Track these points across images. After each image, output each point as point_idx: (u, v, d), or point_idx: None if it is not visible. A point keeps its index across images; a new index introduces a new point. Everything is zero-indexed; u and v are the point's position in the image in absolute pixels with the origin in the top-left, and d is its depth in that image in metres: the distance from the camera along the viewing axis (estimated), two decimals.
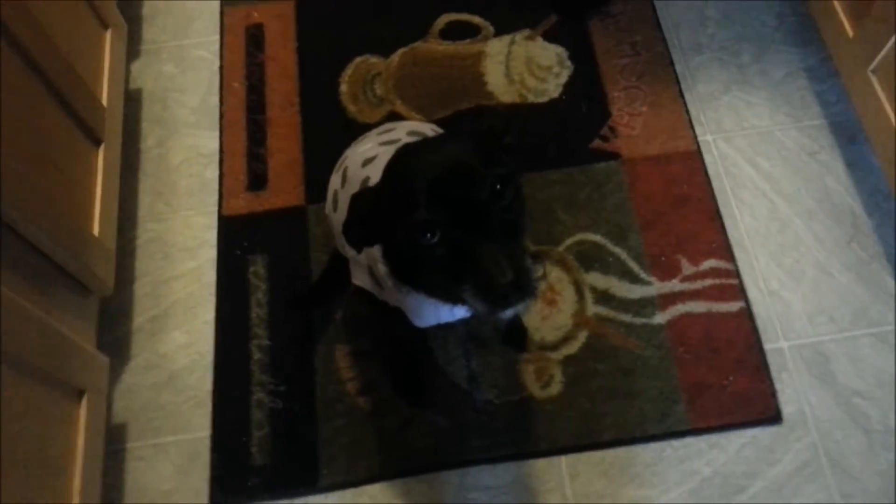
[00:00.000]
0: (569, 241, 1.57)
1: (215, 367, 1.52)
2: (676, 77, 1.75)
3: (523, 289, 0.81)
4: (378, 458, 1.40)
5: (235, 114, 1.83)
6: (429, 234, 0.82)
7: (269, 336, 1.54)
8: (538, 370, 1.45)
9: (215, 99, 1.86)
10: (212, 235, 1.67)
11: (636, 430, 1.38)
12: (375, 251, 1.02)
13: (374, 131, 1.25)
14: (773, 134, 1.67)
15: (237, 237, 1.66)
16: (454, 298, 0.88)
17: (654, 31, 1.82)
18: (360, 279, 1.14)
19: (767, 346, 1.44)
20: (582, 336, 1.47)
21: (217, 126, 1.82)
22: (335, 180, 1.23)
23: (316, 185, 1.70)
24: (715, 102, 1.72)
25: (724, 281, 1.50)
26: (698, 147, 1.65)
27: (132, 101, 1.89)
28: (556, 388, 1.43)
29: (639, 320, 1.48)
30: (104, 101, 1.56)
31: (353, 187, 1.14)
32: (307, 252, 1.62)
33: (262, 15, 1.97)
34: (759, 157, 1.64)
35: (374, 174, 1.09)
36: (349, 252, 1.14)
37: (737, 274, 1.51)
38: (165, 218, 1.72)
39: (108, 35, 1.64)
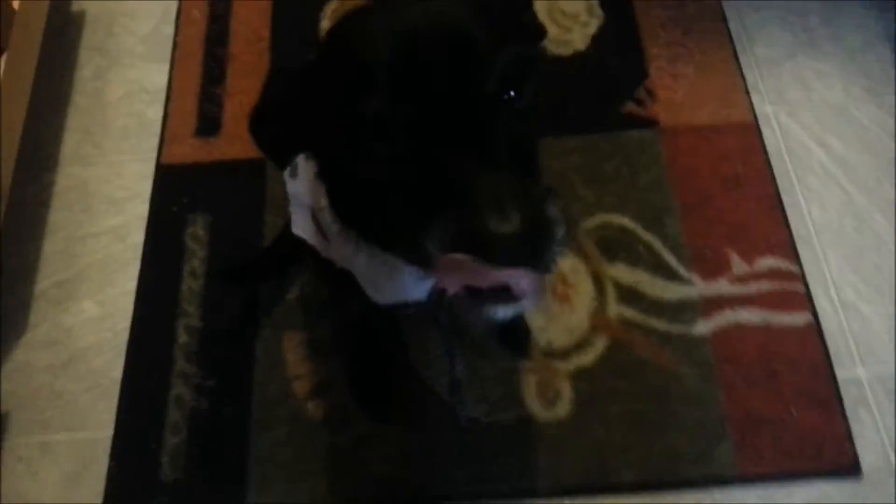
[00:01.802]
0: (589, 224, 1.24)
1: (129, 350, 1.19)
2: (730, 35, 1.43)
3: (538, 248, 0.49)
4: (324, 482, 1.07)
5: (191, 45, 1.50)
6: (387, 137, 0.50)
7: (202, 315, 1.21)
8: (542, 383, 1.12)
9: (170, 28, 1.53)
10: (145, 187, 1.35)
11: (666, 473, 1.05)
12: (316, 179, 0.69)
13: None
14: (848, 110, 1.35)
15: (176, 191, 1.33)
16: (422, 256, 0.54)
17: None
18: (300, 226, 0.81)
19: (841, 374, 1.12)
20: (600, 343, 1.14)
21: (168, 59, 1.49)
22: None
23: None
24: (777, 68, 1.40)
25: (785, 286, 1.18)
26: (756, 119, 1.33)
27: (72, 24, 1.56)
28: (563, 409, 1.10)
29: (675, 328, 1.15)
30: (14, 3, 1.22)
31: None
32: (261, 214, 1.29)
33: None
34: (831, 137, 1.32)
35: None
36: (288, 184, 0.82)
37: (802, 278, 1.18)
38: (93, 162, 1.39)
39: None
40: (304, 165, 0.77)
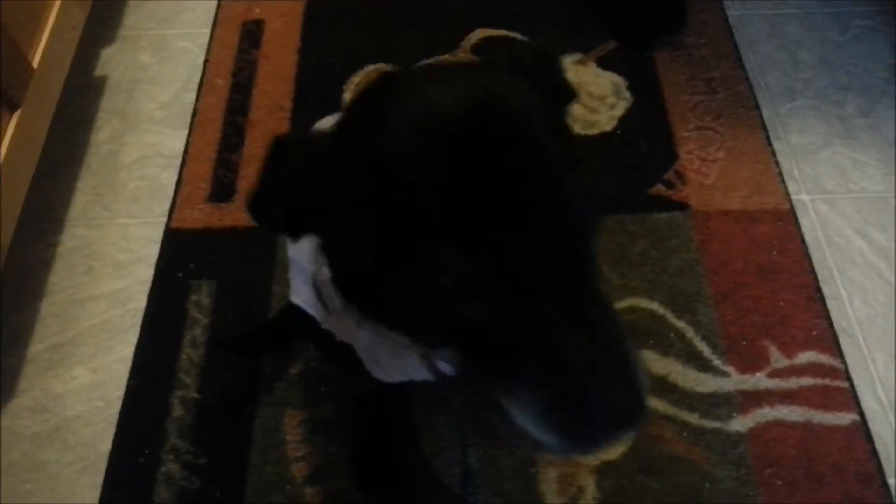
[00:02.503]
0: (616, 307, 1.16)
1: (119, 421, 1.11)
2: (763, 122, 1.40)
3: (635, 409, 0.43)
4: None
5: (212, 112, 1.48)
6: (449, 292, 0.43)
7: (200, 387, 1.13)
8: (563, 478, 1.02)
9: (191, 96, 1.52)
10: (152, 251, 1.29)
11: None
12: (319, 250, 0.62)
13: None
14: (888, 201, 1.29)
15: (183, 256, 1.27)
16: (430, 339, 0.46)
17: (735, 68, 1.48)
18: (299, 294, 0.74)
19: (892, 481, 1.01)
20: (628, 437, 1.05)
21: (187, 126, 1.47)
22: None
23: None
24: (812, 157, 1.36)
25: (828, 382, 1.09)
26: (792, 207, 1.28)
27: (94, 88, 1.56)
28: None
29: (709, 423, 1.06)
30: (34, 62, 1.21)
31: None
32: (269, 284, 1.23)
33: (264, 11, 1.66)
34: (872, 228, 1.26)
35: None
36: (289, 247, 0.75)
37: (846, 374, 1.10)
38: (100, 224, 1.35)
39: None
40: None
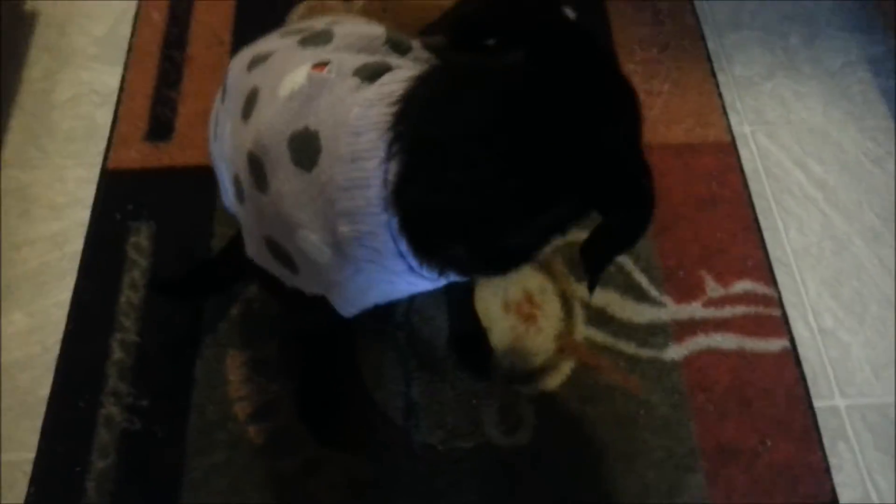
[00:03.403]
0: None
1: (58, 365, 1.10)
2: (708, 54, 1.39)
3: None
4: None
5: (148, 47, 1.43)
6: None
7: (140, 330, 1.12)
8: (503, 408, 1.04)
9: (126, 30, 1.46)
10: (88, 193, 1.26)
11: None
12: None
13: (281, 30, 0.85)
14: (828, 133, 1.31)
15: (121, 197, 1.25)
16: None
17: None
18: (258, 254, 0.74)
19: (819, 404, 1.05)
20: (566, 367, 1.07)
21: (122, 62, 1.41)
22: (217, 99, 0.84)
23: None
24: (755, 88, 1.36)
25: (761, 310, 1.12)
26: (733, 139, 1.29)
27: (23, 22, 1.49)
28: (525, 436, 1.02)
29: (646, 352, 1.08)
30: None
31: (235, 101, 0.74)
32: (211, 224, 1.21)
33: None
34: (810, 160, 1.27)
35: (264, 82, 0.71)
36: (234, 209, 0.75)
37: (779, 303, 1.13)
38: (35, 165, 1.31)
39: None
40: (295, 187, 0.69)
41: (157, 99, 1.36)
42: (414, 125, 0.60)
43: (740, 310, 1.11)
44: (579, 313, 1.12)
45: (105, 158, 1.29)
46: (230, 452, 1.02)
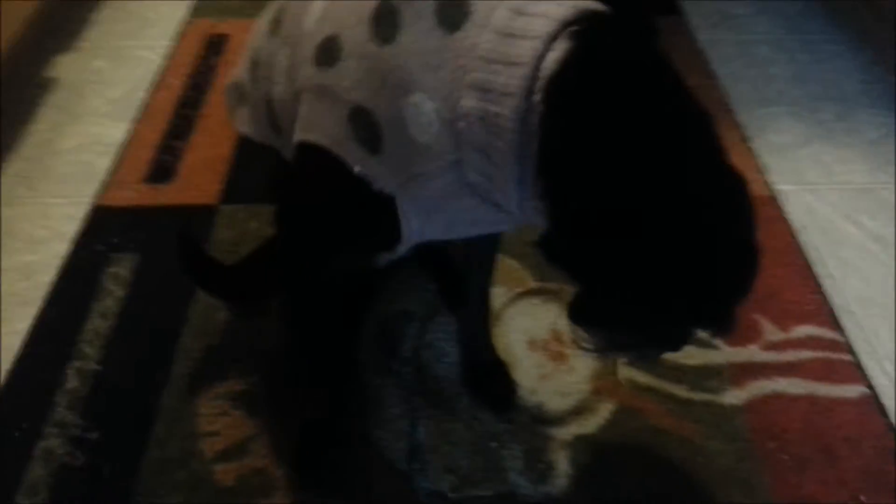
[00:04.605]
0: None
1: (2, 392, 0.93)
2: (737, 123, 1.34)
3: None
4: None
5: (162, 105, 1.41)
6: None
7: (102, 359, 0.97)
8: (530, 452, 0.85)
9: (143, 94, 1.44)
10: (72, 228, 1.16)
11: None
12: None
13: None
14: (876, 192, 1.21)
15: (107, 230, 1.15)
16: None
17: (707, 79, 1.45)
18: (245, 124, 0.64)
19: None
20: (605, 409, 0.89)
21: (133, 118, 1.38)
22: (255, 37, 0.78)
23: (239, 185, 1.23)
24: (792, 153, 1.29)
25: (830, 355, 0.96)
26: (774, 194, 1.19)
27: (40, 86, 1.48)
28: (557, 485, 0.82)
29: (699, 395, 0.91)
30: None
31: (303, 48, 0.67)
32: None
33: (230, 27, 1.62)
34: (863, 216, 1.17)
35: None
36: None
37: (849, 348, 0.96)
38: (22, 203, 1.23)
39: None
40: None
41: (163, 148, 1.30)
42: (595, 38, 0.55)
43: (806, 354, 0.95)
44: None
45: (98, 197, 1.21)
46: (188, 495, 0.82)
